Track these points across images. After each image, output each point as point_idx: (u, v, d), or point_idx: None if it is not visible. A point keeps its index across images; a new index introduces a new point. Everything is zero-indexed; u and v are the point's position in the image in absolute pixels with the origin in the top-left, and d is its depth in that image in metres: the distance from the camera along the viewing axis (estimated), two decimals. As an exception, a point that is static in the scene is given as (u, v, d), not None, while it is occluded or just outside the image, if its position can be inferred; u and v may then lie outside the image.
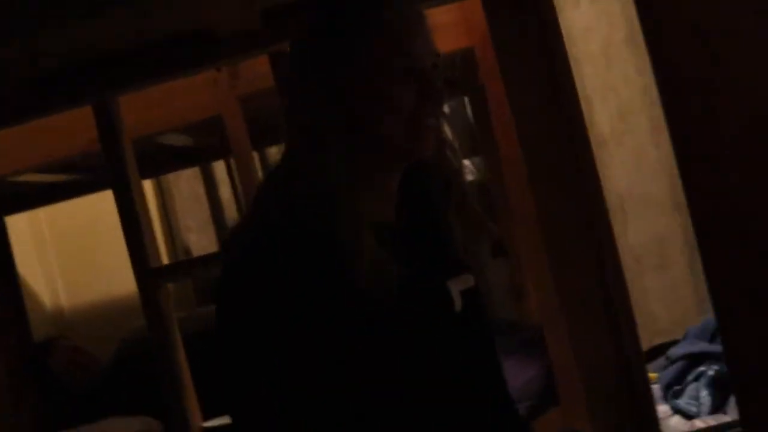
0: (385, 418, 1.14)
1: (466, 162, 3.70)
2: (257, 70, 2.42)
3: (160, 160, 3.14)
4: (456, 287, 1.26)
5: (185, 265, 1.96)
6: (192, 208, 3.57)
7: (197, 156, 3.30)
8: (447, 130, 1.31)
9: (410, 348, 1.16)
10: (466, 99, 3.70)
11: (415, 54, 1.18)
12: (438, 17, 2.46)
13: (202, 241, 3.52)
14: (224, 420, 1.94)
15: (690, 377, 2.63)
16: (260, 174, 2.43)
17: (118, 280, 3.47)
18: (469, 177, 3.67)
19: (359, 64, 1.17)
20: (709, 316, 2.91)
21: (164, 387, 1.91)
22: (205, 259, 2.11)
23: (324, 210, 1.13)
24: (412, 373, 1.16)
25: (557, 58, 1.94)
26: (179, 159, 3.23)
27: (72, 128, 2.43)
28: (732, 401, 2.54)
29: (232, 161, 3.57)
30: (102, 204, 3.47)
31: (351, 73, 1.17)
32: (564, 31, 1.96)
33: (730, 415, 2.52)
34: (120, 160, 1.93)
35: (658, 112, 3.66)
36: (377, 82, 1.17)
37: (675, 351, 2.72)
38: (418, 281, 1.19)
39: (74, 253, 3.54)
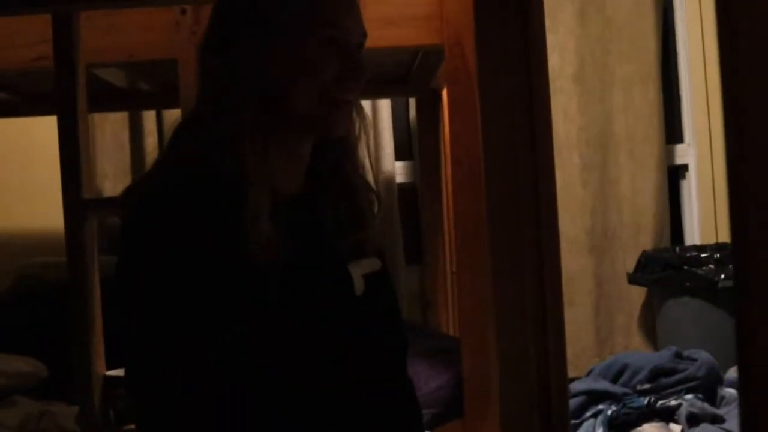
0: (257, 391, 1.12)
1: (399, 164, 3.67)
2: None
3: (91, 96, 3.01)
4: (358, 270, 1.24)
5: (117, 201, 1.85)
6: (113, 155, 3.44)
7: (130, 100, 3.18)
8: (364, 115, 1.28)
9: (289, 325, 1.14)
10: (411, 100, 3.68)
11: (342, 26, 1.17)
12: (414, 8, 2.45)
13: (117, 188, 3.38)
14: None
15: (588, 414, 2.67)
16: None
17: (20, 212, 3.32)
18: (399, 179, 3.65)
19: (283, 24, 1.15)
20: (616, 357, 2.96)
21: (72, 330, 1.80)
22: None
23: (228, 167, 1.12)
24: (288, 350, 1.14)
25: (536, 71, 1.92)
26: (110, 99, 3.12)
27: (14, 41, 2.30)
28: (624, 443, 2.59)
29: (163, 112, 3.45)
30: (19, 130, 3.32)
31: (273, 32, 1.15)
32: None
33: (621, 457, 2.56)
34: (71, 81, 1.82)
35: (590, 152, 3.73)
36: (297, 45, 1.15)
37: (577, 386, 2.74)
38: (316, 259, 1.18)
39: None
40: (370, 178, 1.31)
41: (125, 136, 3.46)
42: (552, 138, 1.94)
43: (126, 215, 1.16)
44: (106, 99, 3.09)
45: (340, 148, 1.24)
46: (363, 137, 1.27)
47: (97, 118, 3.39)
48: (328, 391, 1.17)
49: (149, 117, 3.47)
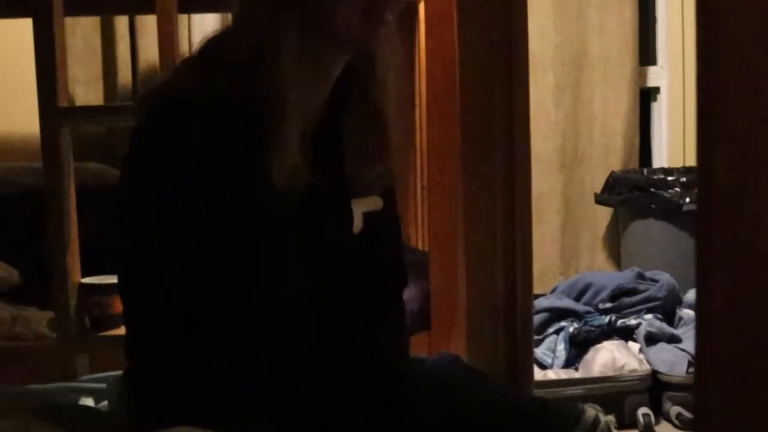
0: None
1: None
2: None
3: None
4: (359, 207, 1.24)
5: (96, 111, 1.85)
6: (84, 60, 3.39)
7: (102, 4, 3.11)
8: (397, 40, 1.27)
9: (290, 253, 1.15)
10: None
11: None
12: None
13: (88, 94, 3.35)
14: (102, 278, 1.88)
15: (550, 330, 2.74)
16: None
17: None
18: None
19: None
20: (579, 276, 3.03)
21: (49, 237, 1.81)
22: (118, 109, 2.00)
23: (263, 85, 1.10)
24: (285, 277, 1.15)
25: (515, 21, 1.92)
26: (82, 3, 3.05)
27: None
28: (583, 359, 2.67)
29: (136, 18, 3.40)
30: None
31: None
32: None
33: (580, 372, 2.65)
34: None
35: (564, 72, 3.74)
36: None
37: (541, 302, 2.81)
38: (321, 192, 1.17)
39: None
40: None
41: (97, 40, 3.41)
42: (527, 56, 1.96)
43: (145, 117, 1.14)
44: (77, 2, 3.03)
45: (370, 72, 1.22)
46: (395, 62, 1.24)
47: (68, 22, 3.32)
48: (314, 328, 1.18)
49: (122, 21, 3.41)
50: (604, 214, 3.75)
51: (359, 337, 1.25)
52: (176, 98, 1.12)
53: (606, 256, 3.77)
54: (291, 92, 1.10)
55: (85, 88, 3.36)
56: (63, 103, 1.82)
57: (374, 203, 1.27)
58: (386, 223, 1.30)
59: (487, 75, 1.87)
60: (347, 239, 1.23)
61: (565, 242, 3.74)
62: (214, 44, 1.18)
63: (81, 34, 3.40)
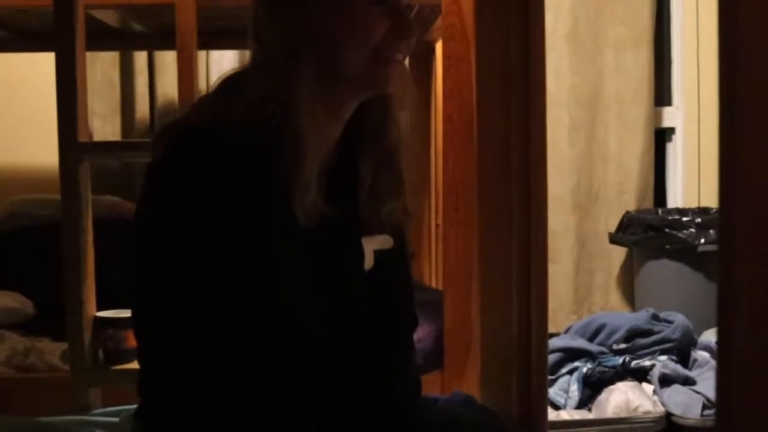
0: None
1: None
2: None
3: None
4: (370, 245, 1.25)
5: (115, 146, 1.87)
6: (102, 94, 3.42)
7: (122, 40, 3.15)
8: (410, 79, 1.29)
9: (304, 286, 1.16)
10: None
11: None
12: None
13: (105, 127, 3.38)
14: (117, 312, 1.88)
15: (563, 370, 2.72)
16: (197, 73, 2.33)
17: (10, 149, 3.31)
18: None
19: None
20: (594, 316, 3.02)
21: (66, 269, 1.82)
22: (136, 145, 2.02)
23: (274, 121, 1.12)
24: (299, 307, 1.15)
25: (532, 31, 1.93)
26: (101, 39, 3.09)
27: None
28: (597, 401, 2.65)
29: (154, 54, 3.43)
30: (13, 67, 3.30)
31: None
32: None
33: (594, 414, 2.62)
34: (70, 21, 1.82)
35: (579, 111, 3.75)
36: (347, 5, 1.17)
37: (554, 342, 2.79)
38: (334, 228, 1.18)
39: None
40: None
41: (116, 75, 3.45)
42: (545, 98, 1.96)
43: (162, 152, 1.14)
44: (97, 38, 3.06)
45: (385, 109, 1.24)
46: (408, 100, 1.26)
47: (88, 56, 3.36)
48: (326, 361, 1.19)
49: (140, 57, 3.45)
50: (618, 253, 3.74)
51: (371, 374, 1.26)
52: (193, 133, 1.13)
53: (620, 296, 3.75)
54: (308, 133, 1.13)
55: (102, 121, 3.40)
56: (83, 138, 1.83)
57: (385, 242, 1.28)
58: (396, 263, 1.31)
59: (504, 116, 1.88)
60: (357, 274, 1.24)
61: (579, 281, 3.73)
62: (231, 82, 1.21)
63: (100, 68, 3.44)
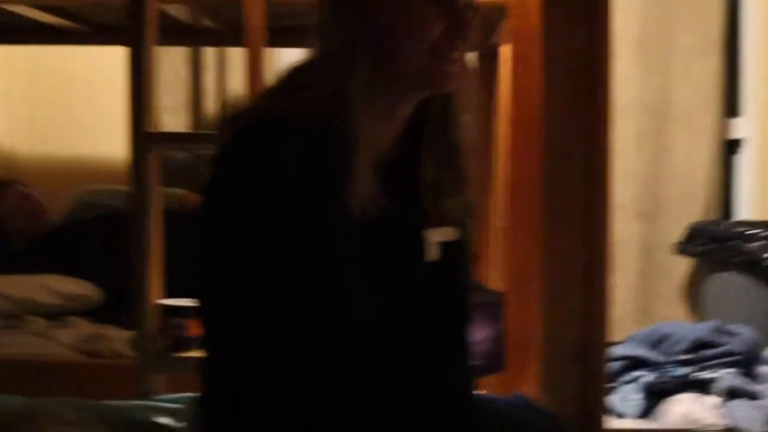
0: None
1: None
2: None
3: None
4: (434, 237, 1.26)
5: (183, 137, 1.91)
6: (171, 88, 3.48)
7: (193, 36, 3.21)
8: (472, 75, 1.29)
9: (363, 280, 1.17)
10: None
11: None
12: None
13: (175, 121, 3.44)
14: (182, 301, 1.91)
15: (625, 378, 2.69)
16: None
17: (84, 139, 3.39)
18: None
19: None
20: (657, 325, 2.98)
21: (133, 257, 1.86)
22: (204, 137, 2.05)
23: (338, 120, 1.14)
24: (358, 300, 1.17)
25: (599, 34, 1.92)
26: (174, 34, 3.15)
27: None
28: (659, 410, 2.61)
29: (224, 51, 3.48)
30: (87, 60, 3.38)
31: None
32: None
33: (655, 423, 2.59)
34: (142, 16, 1.86)
35: (647, 119, 3.71)
36: (405, 4, 1.17)
37: (616, 350, 2.77)
38: (395, 221, 1.19)
39: (45, 101, 3.43)
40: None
41: (184, 70, 3.51)
42: (611, 103, 1.95)
43: (230, 139, 1.17)
44: (169, 34, 3.12)
45: (448, 107, 1.25)
46: (471, 96, 1.27)
47: (158, 51, 3.43)
48: (383, 354, 1.21)
49: (209, 53, 3.50)
50: (683, 264, 3.68)
51: (428, 368, 1.27)
52: (259, 124, 1.16)
53: (683, 307, 3.69)
54: (361, 127, 1.15)
55: (172, 115, 3.46)
56: (150, 129, 1.87)
57: (449, 234, 1.28)
58: (459, 254, 1.31)
59: (570, 119, 1.88)
60: (419, 267, 1.25)
61: (642, 290, 3.68)
62: (296, 74, 1.23)
63: (170, 63, 3.49)
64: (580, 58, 1.87)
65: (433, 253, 1.25)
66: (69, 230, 2.92)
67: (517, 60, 2.31)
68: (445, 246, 1.27)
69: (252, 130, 1.15)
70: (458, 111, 1.26)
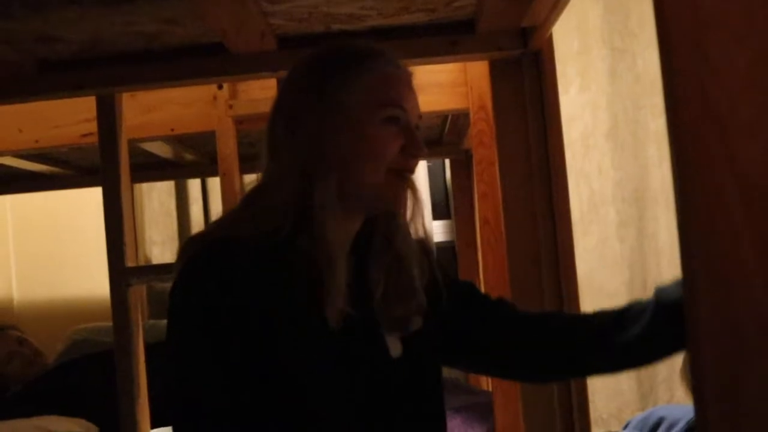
0: None
1: (437, 223, 3.75)
2: (253, 94, 2.48)
3: (138, 167, 3.15)
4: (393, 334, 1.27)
5: (161, 269, 1.96)
6: (160, 222, 3.57)
7: (176, 169, 3.31)
8: (417, 189, 1.32)
9: (333, 387, 1.18)
10: (446, 161, 3.77)
11: (404, 106, 1.23)
12: (441, 75, 2.55)
13: (165, 254, 3.51)
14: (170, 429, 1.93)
15: (625, 466, 2.67)
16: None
17: (73, 280, 3.46)
18: (438, 238, 3.72)
19: (352, 103, 1.20)
20: (652, 409, 2.96)
21: (119, 390, 1.89)
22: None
23: (303, 234, 1.17)
24: (325, 411, 1.17)
25: (551, 130, 1.99)
26: (157, 169, 3.25)
27: (63, 120, 2.45)
28: (663, 496, 2.59)
29: (207, 180, 3.59)
30: (71, 202, 3.47)
31: (343, 109, 1.20)
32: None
33: None
34: (114, 157, 1.94)
35: (626, 207, 3.76)
36: (367, 123, 1.20)
37: (615, 438, 2.75)
38: (355, 324, 1.20)
39: (34, 246, 3.51)
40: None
41: (172, 203, 3.59)
42: (568, 198, 2.01)
43: (188, 260, 1.17)
44: (153, 169, 3.22)
45: (392, 220, 1.28)
46: (417, 212, 1.30)
47: (145, 187, 3.53)
48: None
49: (194, 185, 3.60)
50: (680, 346, 3.67)
51: None
52: (214, 241, 1.16)
53: (684, 389, 3.67)
54: (335, 245, 1.17)
55: (161, 248, 3.53)
56: (130, 264, 1.93)
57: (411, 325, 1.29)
58: (424, 346, 1.31)
59: (529, 214, 1.93)
60: (386, 364, 1.25)
61: (641, 376, 3.67)
62: (253, 195, 1.25)
63: (157, 198, 3.59)
64: (534, 157, 1.94)
65: (395, 348, 1.26)
66: (63, 370, 2.94)
67: (482, 163, 2.39)
68: (407, 340, 1.28)
69: (206, 250, 1.16)
70: (403, 222, 1.29)
